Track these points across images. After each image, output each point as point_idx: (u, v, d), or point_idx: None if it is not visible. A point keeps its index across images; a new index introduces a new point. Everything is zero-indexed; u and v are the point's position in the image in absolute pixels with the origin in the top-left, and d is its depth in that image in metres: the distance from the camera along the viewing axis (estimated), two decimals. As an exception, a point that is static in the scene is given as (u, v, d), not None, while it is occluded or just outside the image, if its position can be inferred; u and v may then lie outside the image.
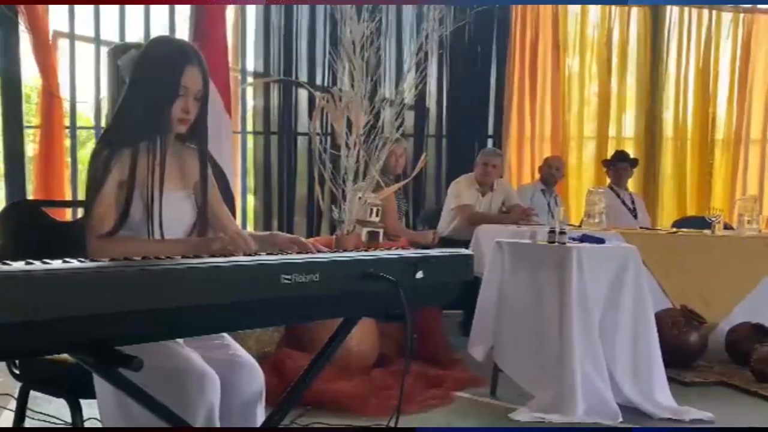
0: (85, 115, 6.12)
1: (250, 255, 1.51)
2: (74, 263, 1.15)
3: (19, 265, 1.08)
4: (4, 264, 1.09)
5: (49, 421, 2.45)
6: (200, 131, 1.87)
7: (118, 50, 3.88)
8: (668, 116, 6.45)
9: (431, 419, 2.99)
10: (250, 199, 6.14)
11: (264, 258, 1.38)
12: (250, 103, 6.03)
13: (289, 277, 1.35)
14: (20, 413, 1.77)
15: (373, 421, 2.85)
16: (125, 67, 1.81)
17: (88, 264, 1.16)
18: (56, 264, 1.12)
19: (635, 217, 5.42)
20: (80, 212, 1.88)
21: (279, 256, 1.42)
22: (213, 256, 1.43)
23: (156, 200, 1.76)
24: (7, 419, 2.64)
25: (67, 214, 4.29)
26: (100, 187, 1.72)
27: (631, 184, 5.83)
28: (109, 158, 1.74)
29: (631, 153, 5.90)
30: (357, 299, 1.55)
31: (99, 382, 1.63)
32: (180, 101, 1.78)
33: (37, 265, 1.10)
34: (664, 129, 6.43)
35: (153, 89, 1.77)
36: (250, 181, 6.07)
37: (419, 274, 1.62)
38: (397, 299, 1.51)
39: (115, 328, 1.16)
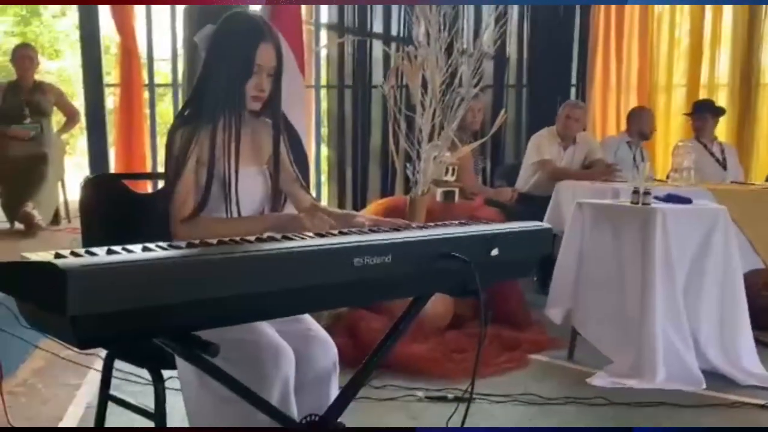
0: (162, 70, 6.25)
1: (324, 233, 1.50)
2: (155, 251, 1.17)
3: (102, 256, 1.11)
4: (89, 253, 1.12)
5: (129, 380, 2.55)
6: (275, 107, 1.86)
7: (194, 9, 3.93)
8: (767, 59, 6.03)
9: (507, 382, 2.98)
10: (324, 150, 6.16)
11: (336, 241, 1.37)
12: (323, 52, 6.00)
13: (361, 259, 1.34)
14: (105, 382, 1.85)
15: (446, 384, 2.86)
16: (201, 43, 1.81)
17: (167, 252, 1.18)
18: (138, 253, 1.15)
19: (724, 168, 5.15)
20: (160, 183, 1.91)
21: (351, 238, 1.40)
22: (287, 236, 1.42)
23: (233, 178, 1.77)
24: (93, 379, 2.79)
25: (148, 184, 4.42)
26: (182, 169, 1.74)
27: (724, 134, 5.52)
28: (190, 138, 1.76)
29: (725, 101, 5.58)
30: (430, 279, 1.53)
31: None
32: (254, 79, 1.78)
33: (122, 254, 1.13)
34: (762, 73, 6.02)
35: (227, 67, 1.77)
36: (324, 132, 6.09)
37: (495, 251, 1.58)
38: (471, 278, 1.47)
39: (192, 315, 1.19)
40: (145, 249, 1.19)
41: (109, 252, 1.14)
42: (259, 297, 1.24)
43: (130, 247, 1.18)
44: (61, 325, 1.06)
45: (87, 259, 1.08)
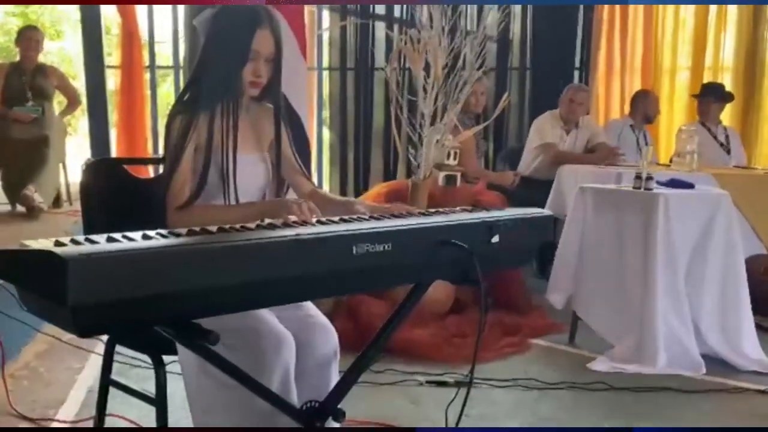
0: (164, 52, 6.21)
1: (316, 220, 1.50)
2: (155, 239, 1.17)
3: (102, 244, 1.10)
4: (90, 241, 1.11)
5: (131, 364, 2.56)
6: (274, 92, 1.84)
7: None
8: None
9: (507, 367, 2.99)
10: (326, 133, 6.13)
11: (336, 229, 1.37)
12: (325, 35, 5.96)
13: (361, 247, 1.33)
14: (107, 367, 1.86)
15: (446, 368, 2.86)
16: (200, 27, 1.79)
17: (168, 240, 1.18)
18: (138, 241, 1.14)
19: (728, 152, 5.14)
20: (161, 168, 1.90)
21: (350, 226, 1.39)
22: (287, 224, 1.42)
23: (231, 165, 1.76)
24: (95, 363, 2.79)
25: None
26: (180, 156, 1.73)
27: (728, 118, 5.48)
28: (188, 124, 1.74)
29: (729, 84, 5.53)
30: (430, 267, 1.53)
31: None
32: (251, 65, 1.76)
33: (122, 242, 1.12)
34: (767, 56, 5.98)
35: (224, 53, 1.75)
36: (326, 115, 6.05)
37: (495, 239, 1.57)
38: (471, 266, 1.47)
39: (193, 303, 1.18)
40: (145, 237, 1.18)
41: (110, 240, 1.14)
42: (260, 285, 1.24)
43: (130, 234, 1.17)
44: (62, 313, 1.06)
45: (87, 248, 1.08)
